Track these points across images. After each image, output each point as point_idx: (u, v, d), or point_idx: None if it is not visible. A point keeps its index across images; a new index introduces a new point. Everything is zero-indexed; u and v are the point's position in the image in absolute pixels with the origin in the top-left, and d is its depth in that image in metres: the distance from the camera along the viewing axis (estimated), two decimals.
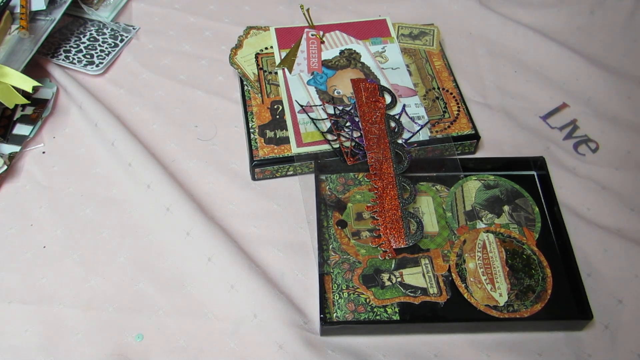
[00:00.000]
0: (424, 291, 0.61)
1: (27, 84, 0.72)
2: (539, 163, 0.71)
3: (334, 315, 0.60)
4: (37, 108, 0.77)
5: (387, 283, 0.62)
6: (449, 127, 0.73)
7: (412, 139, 0.71)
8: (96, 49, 0.85)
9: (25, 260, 0.64)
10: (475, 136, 0.73)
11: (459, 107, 0.75)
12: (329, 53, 0.80)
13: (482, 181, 0.71)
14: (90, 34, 0.87)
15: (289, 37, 0.82)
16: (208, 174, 0.72)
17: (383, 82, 0.77)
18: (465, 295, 0.60)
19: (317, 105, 0.74)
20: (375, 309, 0.60)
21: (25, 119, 0.76)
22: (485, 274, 0.62)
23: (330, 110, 0.73)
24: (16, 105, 0.75)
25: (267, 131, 0.72)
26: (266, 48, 0.81)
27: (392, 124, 0.71)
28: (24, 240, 0.66)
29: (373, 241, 0.64)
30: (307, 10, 0.84)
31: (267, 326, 0.59)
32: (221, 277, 0.62)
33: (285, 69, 0.78)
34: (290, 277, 0.63)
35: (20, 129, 0.75)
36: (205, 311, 0.61)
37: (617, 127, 0.78)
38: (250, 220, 0.68)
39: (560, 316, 0.60)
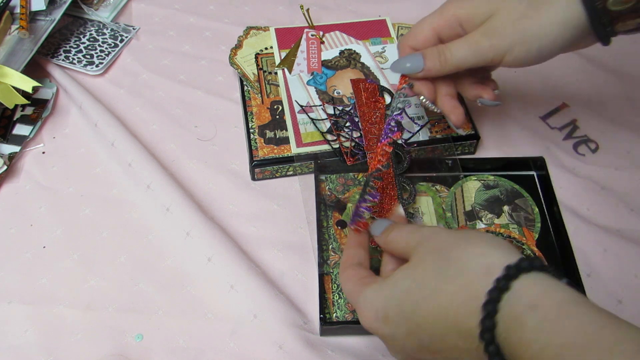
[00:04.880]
0: None
1: (27, 84, 0.72)
2: (538, 163, 0.71)
3: (334, 315, 0.60)
4: (37, 108, 0.77)
5: None
6: (448, 127, 0.73)
7: (412, 139, 0.71)
8: (96, 49, 0.85)
9: (25, 260, 0.64)
10: (475, 136, 0.73)
11: None
12: (329, 53, 0.80)
13: (482, 181, 0.71)
14: (90, 34, 0.87)
15: (288, 38, 0.82)
16: (208, 174, 0.72)
17: (383, 83, 0.77)
18: None
19: (317, 106, 0.74)
20: None
21: (25, 119, 0.76)
22: None
23: (330, 111, 0.73)
24: (16, 106, 0.75)
25: (267, 131, 0.72)
26: (266, 48, 0.81)
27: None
28: (24, 240, 0.66)
29: (372, 241, 0.64)
30: (307, 10, 0.84)
31: (267, 326, 0.59)
32: (221, 277, 0.62)
33: (285, 69, 0.78)
34: (290, 277, 0.64)
35: (20, 129, 0.75)
36: (205, 311, 0.61)
37: (617, 128, 0.78)
38: (250, 221, 0.68)
39: None
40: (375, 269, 0.63)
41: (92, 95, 0.79)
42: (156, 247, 0.66)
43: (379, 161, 0.58)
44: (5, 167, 0.71)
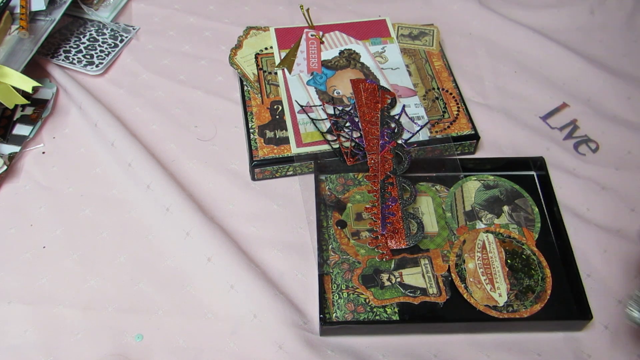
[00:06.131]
0: (424, 291, 0.61)
1: (27, 84, 0.72)
2: (538, 163, 0.71)
3: (334, 315, 0.60)
4: (37, 108, 0.77)
5: (387, 283, 0.62)
6: (448, 127, 0.73)
7: (412, 139, 0.71)
8: (96, 49, 0.85)
9: (25, 260, 0.64)
10: (475, 136, 0.73)
11: (458, 107, 0.75)
12: (329, 53, 0.80)
13: (482, 181, 0.71)
14: (90, 35, 0.87)
15: (288, 38, 0.82)
16: (208, 174, 0.72)
17: (383, 83, 0.77)
18: (465, 296, 0.60)
19: (316, 106, 0.74)
20: (374, 309, 0.60)
21: (25, 119, 0.76)
22: (484, 274, 0.62)
23: (330, 111, 0.73)
24: (16, 106, 0.75)
25: (267, 131, 0.72)
26: (266, 48, 0.81)
27: (392, 125, 0.71)
28: (24, 240, 0.66)
29: (371, 242, 0.64)
30: (307, 10, 0.84)
31: (267, 326, 0.59)
32: (221, 277, 0.62)
33: (285, 69, 0.78)
34: (290, 277, 0.64)
35: (20, 129, 0.75)
36: (205, 311, 0.61)
37: (617, 127, 0.78)
38: (250, 221, 0.68)
39: (560, 316, 0.60)
40: (375, 269, 0.63)
41: (92, 95, 0.79)
42: (156, 247, 0.66)
43: (386, 168, 0.64)
44: (5, 167, 0.71)
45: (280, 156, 0.70)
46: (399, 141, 0.70)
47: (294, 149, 0.70)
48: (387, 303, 0.60)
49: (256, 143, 0.71)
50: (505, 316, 0.59)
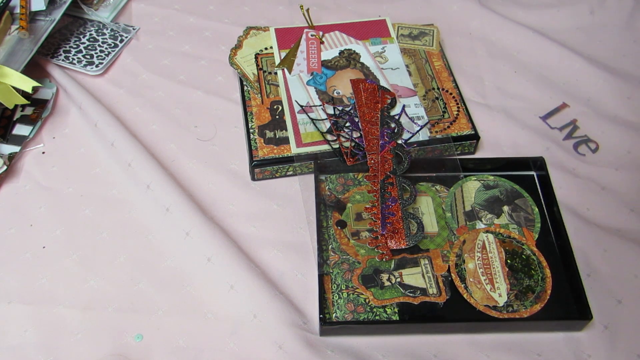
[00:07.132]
0: (424, 291, 0.61)
1: (27, 84, 0.72)
2: (538, 163, 0.71)
3: (334, 315, 0.60)
4: (37, 108, 0.77)
5: (387, 283, 0.62)
6: (448, 127, 0.73)
7: (412, 140, 0.71)
8: (96, 49, 0.85)
9: (25, 261, 0.64)
10: (475, 136, 0.73)
11: (458, 107, 0.75)
12: (329, 53, 0.80)
13: (482, 181, 0.71)
14: (90, 35, 0.87)
15: (288, 38, 0.82)
16: (208, 174, 0.72)
17: (383, 83, 0.77)
18: (465, 296, 0.60)
19: (316, 106, 0.74)
20: (374, 309, 0.60)
21: (25, 120, 0.76)
22: (484, 274, 0.62)
23: (330, 111, 0.73)
24: (16, 106, 0.75)
25: (267, 131, 0.72)
26: (266, 48, 0.81)
27: (392, 125, 0.71)
28: (24, 240, 0.66)
29: (370, 242, 0.64)
30: (307, 10, 0.84)
31: (267, 326, 0.59)
32: (221, 277, 0.62)
33: (285, 69, 0.78)
34: (289, 278, 0.64)
35: (20, 129, 0.75)
36: (204, 311, 0.61)
37: (617, 127, 0.78)
38: (249, 221, 0.68)
39: (560, 316, 0.60)
40: (375, 269, 0.63)
41: (92, 95, 0.79)
42: (156, 247, 0.66)
43: (386, 168, 0.63)
44: (5, 167, 0.71)
45: (280, 156, 0.70)
46: (399, 141, 0.70)
47: (294, 149, 0.70)
48: (387, 303, 0.60)
49: (256, 143, 0.71)
50: (505, 316, 0.59)
